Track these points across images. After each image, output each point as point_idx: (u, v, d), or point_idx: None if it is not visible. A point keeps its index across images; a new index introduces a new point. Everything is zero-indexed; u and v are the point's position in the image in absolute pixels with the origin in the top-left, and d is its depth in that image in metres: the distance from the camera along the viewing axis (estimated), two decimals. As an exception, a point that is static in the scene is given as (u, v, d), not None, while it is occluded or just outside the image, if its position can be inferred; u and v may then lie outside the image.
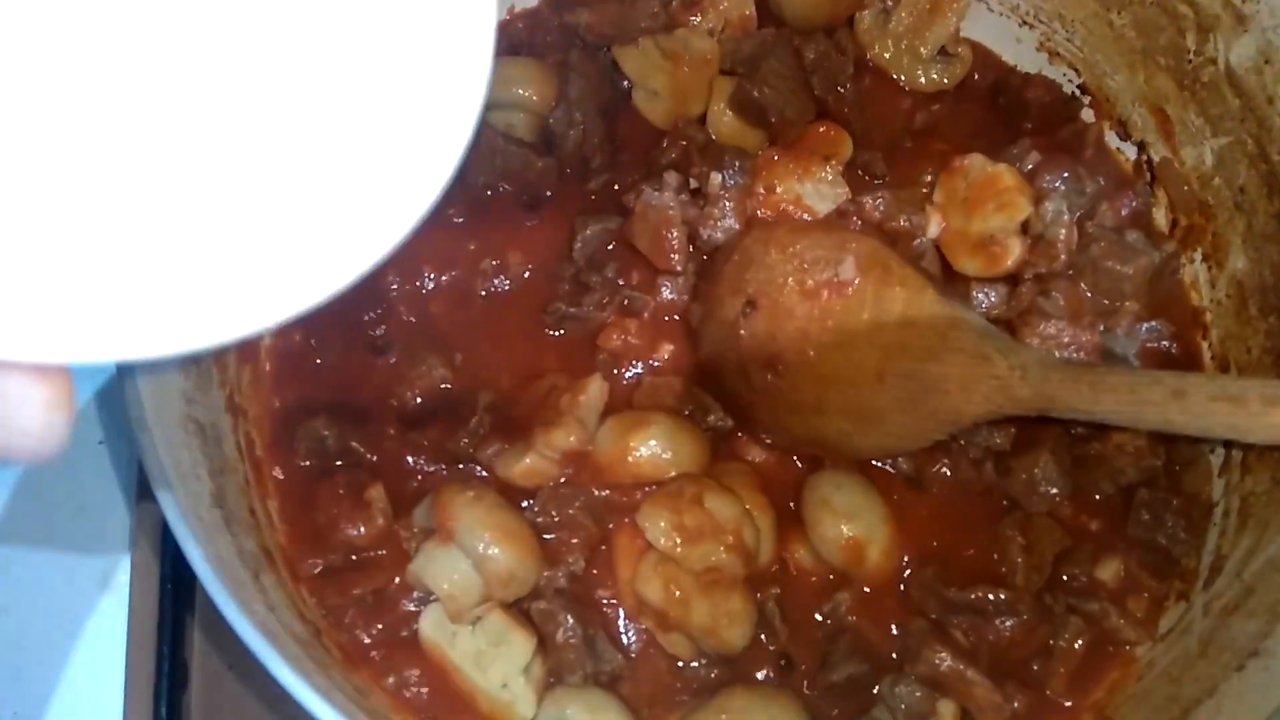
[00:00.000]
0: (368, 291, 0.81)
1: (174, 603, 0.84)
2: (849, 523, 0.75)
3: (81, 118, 0.35)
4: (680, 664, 0.73)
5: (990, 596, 0.74)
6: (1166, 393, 0.62)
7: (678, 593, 0.71)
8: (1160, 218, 0.86)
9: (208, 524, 0.59)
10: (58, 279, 0.35)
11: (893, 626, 0.75)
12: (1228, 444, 0.77)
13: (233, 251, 0.36)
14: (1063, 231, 0.79)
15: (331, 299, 0.35)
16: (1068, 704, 0.73)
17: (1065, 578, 0.75)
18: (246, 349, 0.77)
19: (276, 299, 0.34)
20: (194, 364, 0.67)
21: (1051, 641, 0.74)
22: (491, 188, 0.85)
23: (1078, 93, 0.90)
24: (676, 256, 0.81)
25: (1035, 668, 0.74)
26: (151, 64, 0.36)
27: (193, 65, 0.36)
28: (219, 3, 0.36)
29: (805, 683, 0.74)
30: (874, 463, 0.78)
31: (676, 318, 0.82)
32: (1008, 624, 0.74)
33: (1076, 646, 0.74)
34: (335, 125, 0.37)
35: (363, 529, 0.74)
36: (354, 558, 0.74)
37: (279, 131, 0.37)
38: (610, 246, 0.83)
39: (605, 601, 0.74)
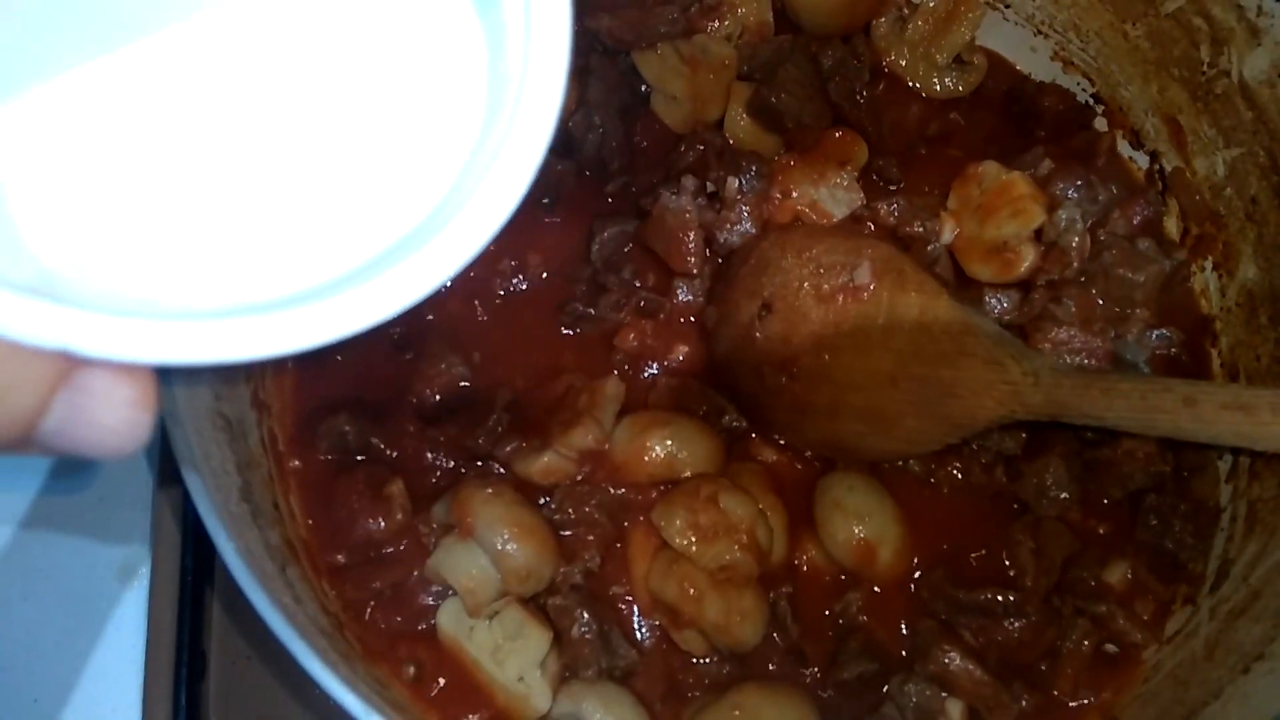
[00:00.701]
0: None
1: (194, 592, 0.85)
2: (860, 524, 0.76)
3: (197, 150, 0.38)
4: (693, 660, 0.74)
5: (999, 598, 0.75)
6: (1177, 400, 0.63)
7: (691, 590, 0.72)
8: (1172, 226, 0.87)
9: (236, 517, 0.60)
10: (151, 281, 0.37)
11: (902, 626, 0.76)
12: (1236, 450, 0.77)
13: (316, 263, 0.38)
14: (1076, 239, 0.80)
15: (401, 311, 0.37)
16: (1074, 704, 0.74)
17: (1073, 580, 0.76)
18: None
19: (351, 310, 0.36)
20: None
21: (1059, 643, 0.75)
22: (511, 189, 0.86)
23: (1091, 102, 0.91)
24: (693, 259, 0.82)
25: (1043, 668, 0.75)
26: (251, 108, 0.40)
27: (287, 111, 0.40)
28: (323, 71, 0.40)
29: (816, 680, 0.75)
30: (885, 465, 0.79)
31: (692, 319, 0.84)
32: (1016, 625, 0.75)
33: (1084, 648, 0.75)
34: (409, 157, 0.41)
35: (383, 523, 0.75)
36: (374, 552, 0.75)
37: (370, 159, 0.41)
38: (627, 248, 0.84)
39: (620, 598, 0.75)
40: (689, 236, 0.82)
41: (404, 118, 0.42)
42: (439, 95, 0.42)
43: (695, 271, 0.83)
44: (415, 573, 0.74)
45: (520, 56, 0.40)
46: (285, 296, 0.37)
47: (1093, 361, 0.79)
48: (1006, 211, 0.81)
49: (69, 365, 0.34)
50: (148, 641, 0.84)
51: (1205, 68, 0.80)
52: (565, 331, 0.83)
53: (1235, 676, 0.64)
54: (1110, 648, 0.75)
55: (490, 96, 0.41)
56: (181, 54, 0.40)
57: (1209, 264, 0.85)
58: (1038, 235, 0.81)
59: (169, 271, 0.38)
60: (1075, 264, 0.80)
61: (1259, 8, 0.75)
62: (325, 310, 0.35)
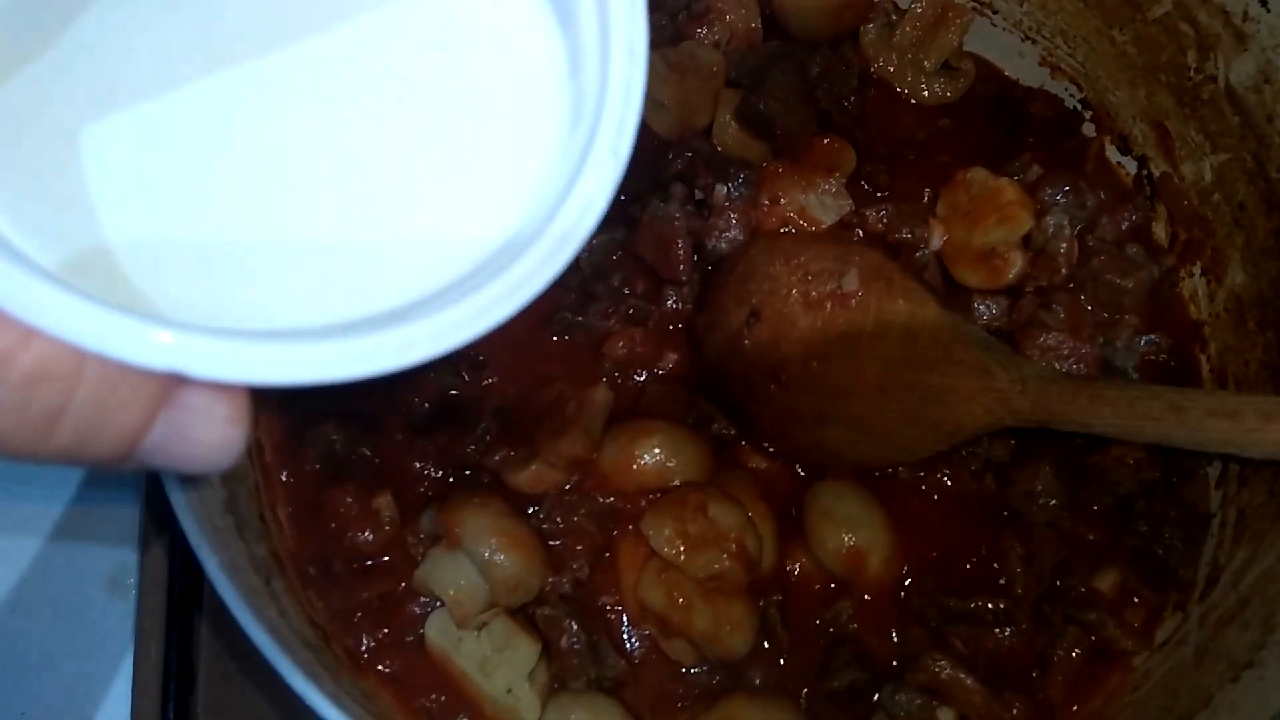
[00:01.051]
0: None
1: (182, 605, 0.85)
2: (850, 532, 0.76)
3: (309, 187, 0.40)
4: (682, 670, 0.74)
5: (990, 606, 0.75)
6: (1165, 407, 0.63)
7: (680, 599, 0.72)
8: (1160, 232, 0.87)
9: (220, 530, 0.60)
10: (243, 299, 0.38)
11: (893, 634, 0.76)
12: (1225, 457, 0.77)
13: (402, 284, 0.39)
14: (1064, 245, 0.80)
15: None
16: (1065, 712, 0.74)
17: (1064, 587, 0.76)
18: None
19: (444, 330, 0.36)
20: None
21: (1049, 650, 0.75)
22: (499, 197, 0.86)
23: (1079, 107, 0.91)
24: (682, 267, 0.82)
25: (1034, 676, 0.75)
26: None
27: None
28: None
29: (806, 690, 0.75)
30: (875, 473, 0.79)
31: (681, 327, 0.83)
32: (1007, 633, 0.75)
33: (1074, 656, 0.75)
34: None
35: (370, 535, 0.74)
36: (361, 563, 0.74)
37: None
38: (616, 256, 0.84)
39: (609, 608, 0.75)
40: (677, 244, 0.82)
41: (489, 134, 0.42)
42: (523, 110, 0.42)
43: (684, 279, 0.83)
44: (403, 584, 0.74)
45: (596, 71, 0.40)
46: (372, 316, 0.37)
47: (1081, 368, 0.79)
48: (994, 218, 0.81)
49: (172, 384, 0.34)
50: (136, 654, 0.83)
51: (1192, 73, 0.80)
52: (554, 339, 0.83)
53: (1224, 684, 0.64)
54: (1101, 655, 0.75)
55: (572, 110, 0.42)
56: (277, 73, 0.41)
57: (1197, 269, 0.85)
58: (1026, 241, 0.81)
59: (260, 289, 0.38)
60: (1064, 270, 0.80)
61: (1245, 13, 0.75)
62: (417, 330, 0.36)
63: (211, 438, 0.36)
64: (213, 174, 0.39)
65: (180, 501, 0.56)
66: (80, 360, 0.32)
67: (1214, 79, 0.79)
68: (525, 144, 0.42)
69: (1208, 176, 0.82)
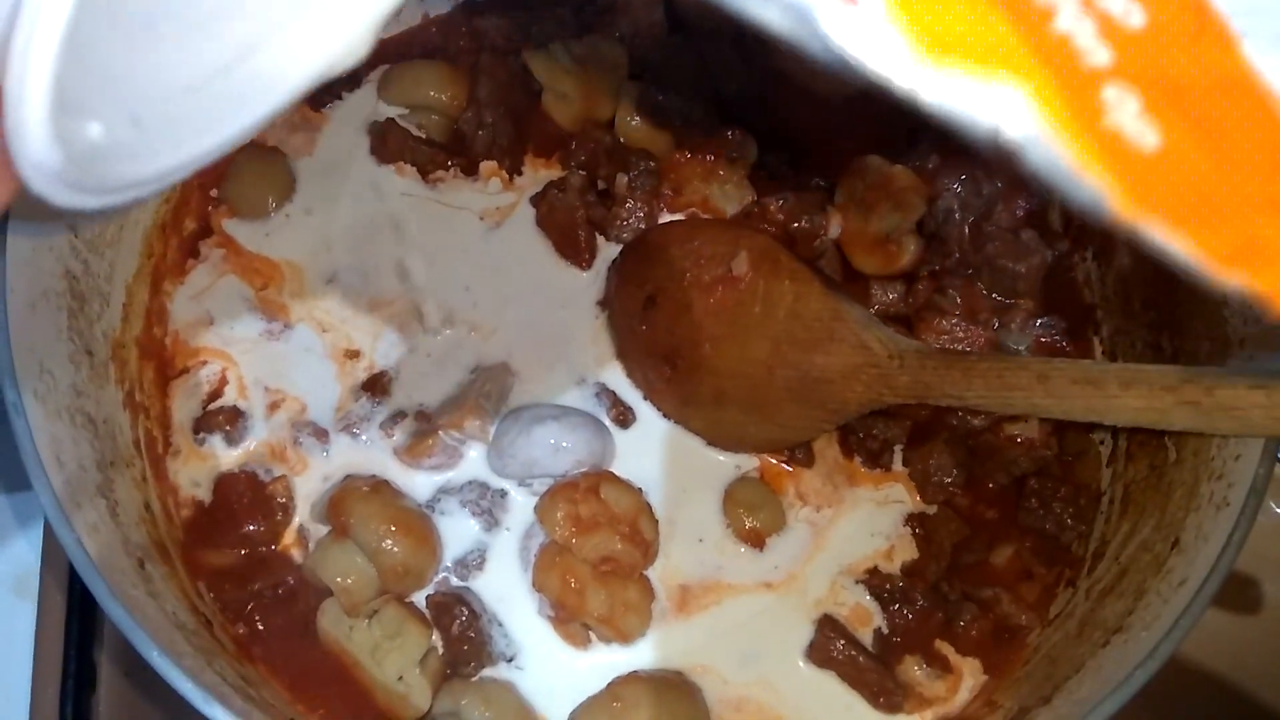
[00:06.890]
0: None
1: (83, 606, 0.84)
2: (751, 515, 0.77)
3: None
4: (577, 653, 0.74)
5: (887, 585, 0.75)
6: (1031, 377, 0.64)
7: (573, 583, 0.72)
8: (1055, 217, 0.88)
9: (88, 513, 0.59)
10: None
11: (791, 615, 0.76)
12: (1115, 433, 0.78)
13: None
14: (955, 229, 0.81)
15: None
16: (961, 689, 0.74)
17: (962, 565, 0.77)
18: (151, 347, 0.77)
19: None
20: (87, 356, 0.67)
21: (946, 628, 0.75)
22: (402, 188, 0.86)
23: (977, 96, 0.92)
24: (584, 255, 0.83)
25: (930, 654, 0.75)
26: None
27: None
28: None
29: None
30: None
31: (586, 313, 0.84)
32: (904, 611, 0.75)
33: (971, 633, 0.75)
34: None
35: (263, 524, 0.74)
36: (254, 553, 0.74)
37: None
38: (522, 245, 0.85)
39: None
40: (578, 233, 0.83)
41: None
42: None
43: (588, 267, 0.83)
44: (296, 573, 0.74)
45: None
46: None
47: (973, 350, 0.80)
48: (889, 204, 0.82)
49: None
50: (35, 654, 0.82)
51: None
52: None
53: (1096, 651, 0.64)
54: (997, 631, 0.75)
55: None
56: None
57: (1090, 253, 0.86)
58: (920, 227, 0.82)
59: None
60: (955, 254, 0.81)
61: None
62: None
63: None
64: None
65: (40, 480, 0.55)
66: None
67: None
68: None
69: (1094, 160, 0.83)
